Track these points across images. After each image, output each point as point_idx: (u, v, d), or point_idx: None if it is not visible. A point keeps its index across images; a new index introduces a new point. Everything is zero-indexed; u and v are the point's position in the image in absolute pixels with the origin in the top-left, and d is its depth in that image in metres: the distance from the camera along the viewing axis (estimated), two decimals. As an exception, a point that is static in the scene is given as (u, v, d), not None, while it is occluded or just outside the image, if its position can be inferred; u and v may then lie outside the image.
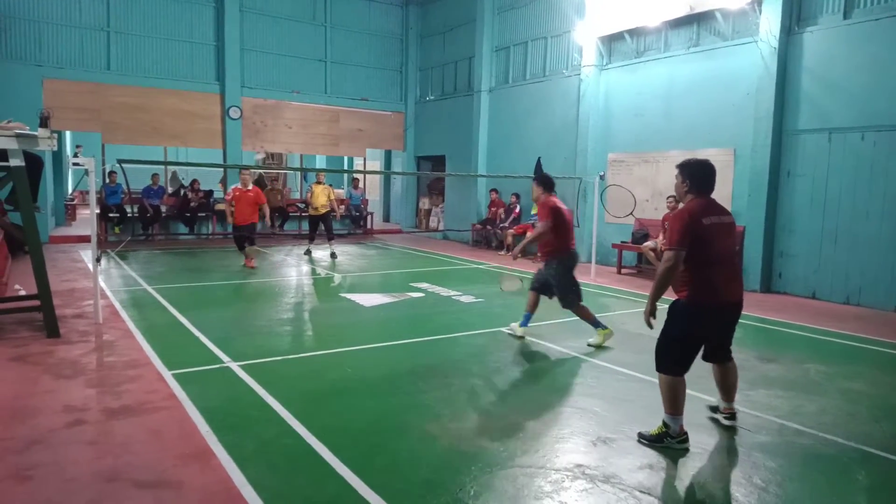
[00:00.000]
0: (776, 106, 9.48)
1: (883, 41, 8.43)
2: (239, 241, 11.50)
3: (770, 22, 9.48)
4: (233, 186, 11.57)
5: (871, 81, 8.57)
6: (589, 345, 6.12)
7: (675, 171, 4.02)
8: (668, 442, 3.79)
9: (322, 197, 12.27)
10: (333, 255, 12.48)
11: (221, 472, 3.36)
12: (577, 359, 5.74)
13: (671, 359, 3.90)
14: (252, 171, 11.29)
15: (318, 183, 12.49)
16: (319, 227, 12.50)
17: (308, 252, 13.11)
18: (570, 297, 6.13)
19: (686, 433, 3.84)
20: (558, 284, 6.09)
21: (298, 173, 20.72)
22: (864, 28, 8.65)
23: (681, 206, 4.02)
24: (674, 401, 3.84)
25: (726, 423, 4.20)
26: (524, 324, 6.37)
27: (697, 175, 3.92)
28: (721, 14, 10.30)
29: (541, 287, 6.25)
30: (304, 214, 17.25)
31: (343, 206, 16.48)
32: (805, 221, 9.34)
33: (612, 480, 3.35)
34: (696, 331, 3.92)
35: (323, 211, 12.33)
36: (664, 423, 3.83)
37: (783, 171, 9.57)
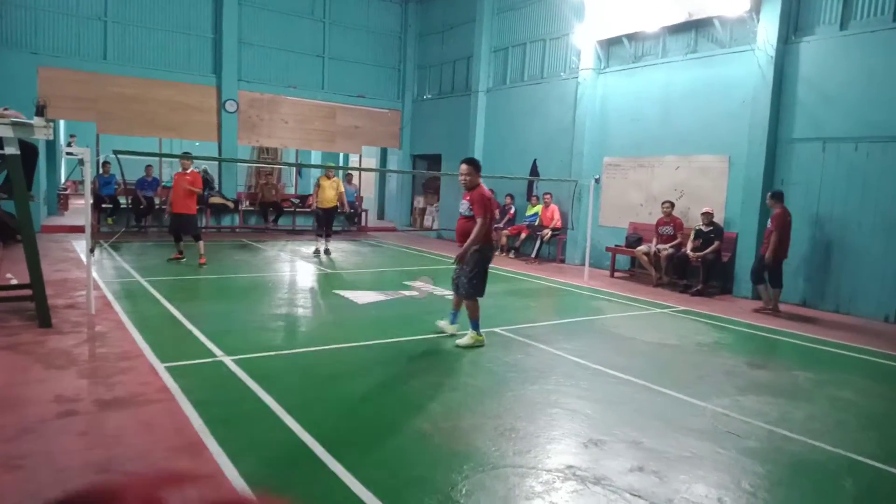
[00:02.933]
0: (771, 114, 9.55)
1: (878, 53, 8.51)
2: (173, 232, 10.45)
3: (767, 31, 9.54)
4: (175, 172, 10.71)
5: (865, 92, 8.65)
6: (457, 345, 6.00)
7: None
8: None
9: (330, 191, 12.11)
10: (327, 252, 12.42)
11: (213, 465, 3.36)
12: (570, 361, 5.76)
13: None
14: (192, 159, 10.16)
15: (327, 177, 12.27)
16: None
17: (317, 252, 12.40)
18: (479, 287, 6.04)
19: None
20: (474, 274, 5.96)
21: (293, 168, 20.67)
22: (860, 39, 8.72)
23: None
24: None
25: None
26: (454, 321, 6.41)
27: None
28: (719, 21, 10.36)
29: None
30: (298, 210, 17.28)
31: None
32: (798, 230, 9.40)
33: (602, 482, 3.37)
34: None
35: (330, 206, 12.20)
36: None
37: (777, 179, 9.63)
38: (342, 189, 12.43)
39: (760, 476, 3.59)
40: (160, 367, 4.93)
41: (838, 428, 4.41)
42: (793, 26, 9.50)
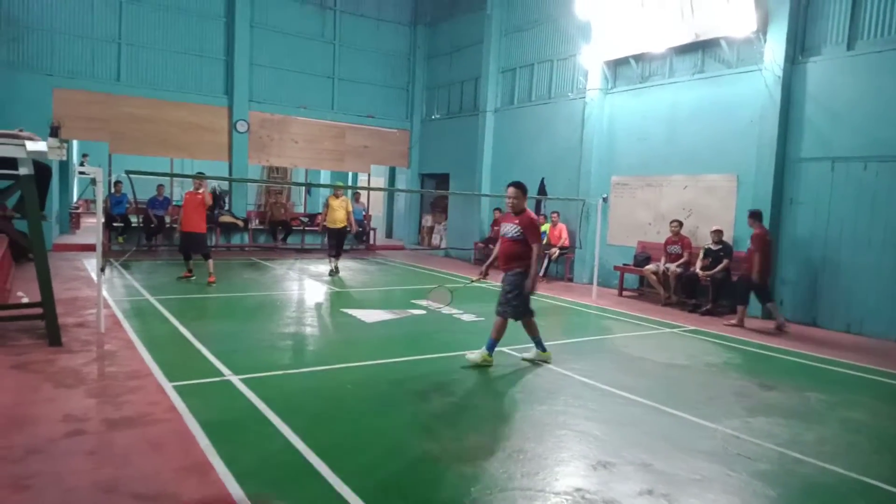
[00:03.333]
0: (779, 133, 9.56)
1: (886, 73, 8.52)
2: (183, 251, 10.63)
3: (774, 51, 9.58)
4: (186, 192, 10.85)
5: (873, 112, 8.64)
6: (524, 359, 6.26)
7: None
8: None
9: (341, 211, 12.10)
10: (336, 271, 12.40)
11: (220, 486, 3.35)
12: (578, 381, 5.73)
13: None
14: (205, 180, 10.56)
15: (336, 196, 12.24)
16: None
17: (331, 272, 12.30)
18: (527, 307, 6.07)
19: None
20: (514, 295, 5.95)
21: (303, 188, 20.82)
22: (867, 60, 8.74)
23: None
24: None
25: None
26: (491, 350, 6.08)
27: None
28: (726, 42, 10.41)
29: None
30: (307, 229, 17.38)
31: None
32: (807, 249, 9.36)
33: (611, 505, 3.34)
34: None
35: (341, 225, 12.19)
36: None
37: (786, 198, 9.61)
38: (350, 209, 12.46)
39: (772, 500, 3.54)
40: (168, 387, 4.94)
41: (850, 450, 4.35)
42: (799, 47, 9.54)
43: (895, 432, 4.83)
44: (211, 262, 10.47)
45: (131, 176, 7.60)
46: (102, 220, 7.05)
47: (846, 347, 7.87)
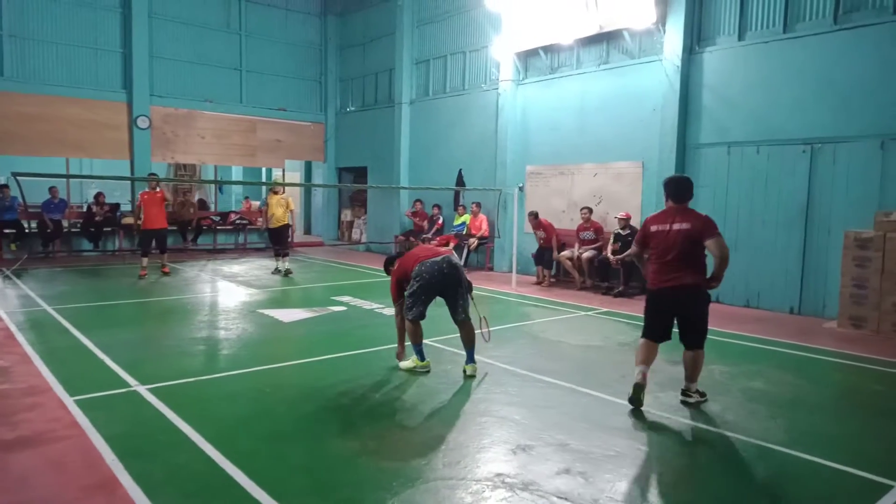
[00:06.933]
0: (680, 121, 10.03)
1: (773, 62, 9.10)
2: (146, 245, 11.48)
3: (673, 42, 10.03)
4: (140, 192, 11.58)
5: (764, 99, 9.22)
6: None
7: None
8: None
9: (279, 209, 11.82)
10: (288, 273, 11.98)
11: (129, 502, 3.18)
12: (499, 368, 5.82)
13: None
14: (159, 180, 11.38)
15: (275, 193, 11.97)
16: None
17: (277, 270, 12.14)
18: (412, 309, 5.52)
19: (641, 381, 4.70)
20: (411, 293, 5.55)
21: (213, 185, 20.03)
22: (756, 49, 9.30)
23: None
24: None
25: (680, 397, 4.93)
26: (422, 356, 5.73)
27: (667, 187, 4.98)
28: (628, 33, 10.81)
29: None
30: (219, 227, 16.77)
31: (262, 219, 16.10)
32: (708, 230, 9.88)
33: (530, 487, 3.41)
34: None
35: (279, 224, 11.90)
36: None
37: (688, 182, 10.10)
38: (293, 206, 12.15)
39: (680, 469, 3.73)
40: (70, 402, 4.64)
41: (750, 418, 4.64)
42: (696, 37, 10.03)
43: (790, 398, 5.20)
44: (165, 255, 11.74)
45: (20, 179, 7.07)
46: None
47: (746, 320, 8.39)
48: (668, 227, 4.78)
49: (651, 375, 4.82)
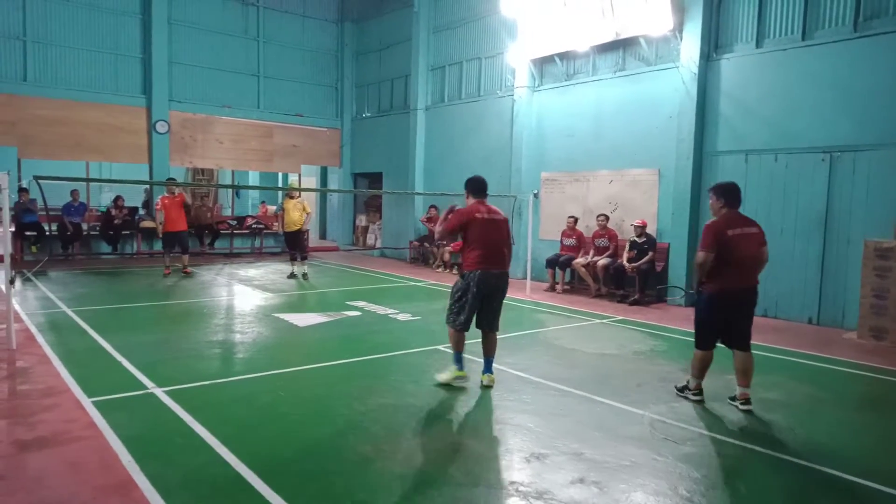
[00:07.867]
0: (696, 128, 9.96)
1: (792, 70, 9.02)
2: (169, 245, 12.01)
3: (690, 49, 9.98)
4: (160, 196, 12.08)
5: (782, 106, 9.14)
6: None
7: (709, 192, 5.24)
8: (686, 393, 5.15)
9: (295, 213, 11.86)
10: (305, 276, 12.10)
11: (144, 503, 3.21)
12: (513, 375, 5.81)
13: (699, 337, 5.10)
14: (178, 184, 11.94)
15: (291, 198, 12.02)
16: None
17: (292, 275, 12.18)
18: (450, 317, 5.47)
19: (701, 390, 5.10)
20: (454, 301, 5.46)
21: (230, 190, 20.22)
22: (774, 57, 9.23)
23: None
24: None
25: (741, 408, 4.96)
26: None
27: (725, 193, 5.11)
28: (645, 40, 10.77)
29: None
30: (236, 232, 16.90)
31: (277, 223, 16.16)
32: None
33: (545, 496, 3.40)
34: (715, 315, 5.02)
35: (295, 228, 11.94)
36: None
37: (704, 190, 10.02)
38: (309, 210, 12.22)
39: (696, 481, 3.69)
40: (87, 403, 4.70)
41: (768, 429, 4.59)
42: (713, 44, 9.97)
43: (808, 410, 5.13)
44: (187, 256, 12.17)
45: (42, 182, 7.17)
46: (11, 229, 6.62)
47: (764, 331, 8.27)
48: (743, 230, 4.99)
49: (667, 385, 4.81)
